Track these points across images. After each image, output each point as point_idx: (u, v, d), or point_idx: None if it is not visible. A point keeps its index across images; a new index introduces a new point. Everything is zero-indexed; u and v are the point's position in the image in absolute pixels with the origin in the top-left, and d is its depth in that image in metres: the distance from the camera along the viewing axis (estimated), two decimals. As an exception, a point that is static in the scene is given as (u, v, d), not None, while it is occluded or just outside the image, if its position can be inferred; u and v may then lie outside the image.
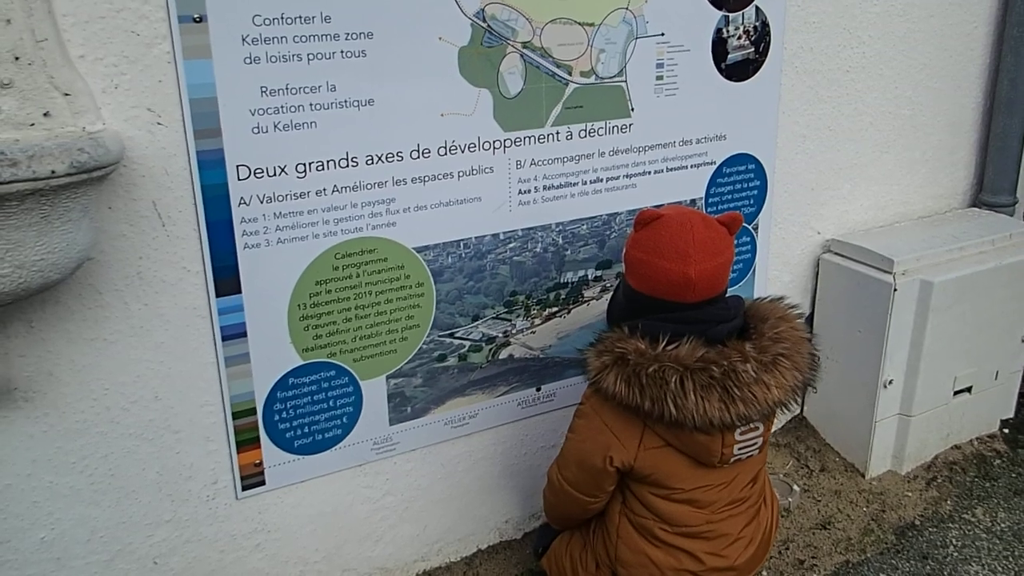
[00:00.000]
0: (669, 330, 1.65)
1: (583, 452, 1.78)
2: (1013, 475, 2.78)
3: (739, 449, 1.72)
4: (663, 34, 2.16)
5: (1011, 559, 2.42)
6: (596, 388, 1.71)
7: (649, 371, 1.61)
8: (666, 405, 1.60)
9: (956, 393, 2.78)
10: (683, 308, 1.68)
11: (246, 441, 1.95)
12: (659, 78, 2.19)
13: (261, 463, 1.99)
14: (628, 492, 1.81)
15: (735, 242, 1.84)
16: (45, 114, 1.44)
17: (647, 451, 1.72)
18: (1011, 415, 3.02)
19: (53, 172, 1.36)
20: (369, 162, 1.88)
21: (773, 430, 2.86)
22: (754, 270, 2.61)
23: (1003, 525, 2.55)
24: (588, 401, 1.79)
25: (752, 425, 1.71)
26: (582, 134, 2.13)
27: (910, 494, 2.68)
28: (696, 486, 1.75)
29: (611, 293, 2.07)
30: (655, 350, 1.63)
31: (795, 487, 2.66)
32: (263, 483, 2.01)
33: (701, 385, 1.59)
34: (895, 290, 2.51)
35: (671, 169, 2.30)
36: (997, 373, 2.87)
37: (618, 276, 2.30)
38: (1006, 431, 2.98)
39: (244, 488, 1.99)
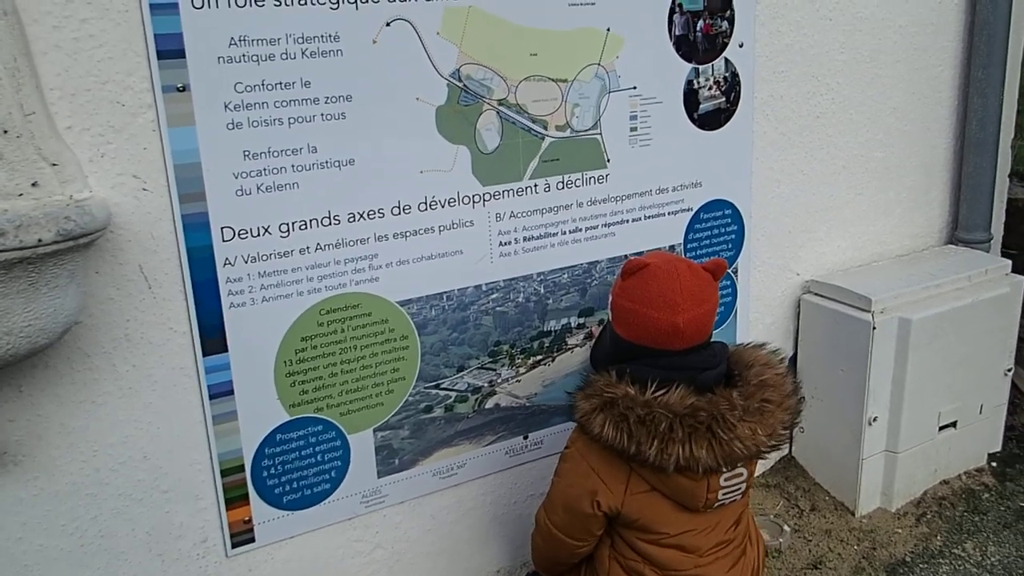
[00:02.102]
0: (658, 376, 1.67)
1: (570, 496, 1.79)
2: (1002, 508, 2.79)
3: (724, 494, 1.74)
4: (635, 87, 2.22)
5: (1002, 594, 2.43)
6: (583, 431, 1.74)
7: (639, 415, 1.63)
8: (652, 449, 1.62)
9: (941, 428, 2.80)
10: (669, 355, 1.71)
11: (235, 498, 1.97)
12: (633, 129, 2.25)
13: (251, 520, 2.00)
14: (617, 536, 1.82)
15: (716, 285, 1.88)
16: (33, 184, 1.48)
17: (633, 496, 1.74)
18: (998, 448, 3.04)
19: (40, 240, 1.40)
20: (351, 220, 1.93)
21: (762, 471, 2.87)
22: (735, 313, 2.64)
23: (993, 559, 2.56)
24: (574, 444, 1.81)
25: (737, 471, 1.73)
26: (559, 186, 2.18)
27: (900, 531, 2.69)
28: (682, 531, 1.76)
29: (595, 338, 2.10)
30: (644, 395, 1.65)
31: (786, 527, 2.66)
32: (253, 540, 2.02)
33: (689, 431, 1.61)
34: (874, 328, 2.55)
35: (649, 217, 2.36)
36: (982, 407, 2.89)
37: (601, 323, 2.33)
38: (994, 464, 3.00)
39: (234, 545, 2.00)
